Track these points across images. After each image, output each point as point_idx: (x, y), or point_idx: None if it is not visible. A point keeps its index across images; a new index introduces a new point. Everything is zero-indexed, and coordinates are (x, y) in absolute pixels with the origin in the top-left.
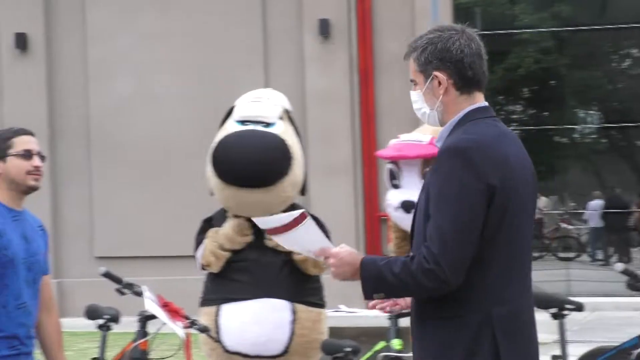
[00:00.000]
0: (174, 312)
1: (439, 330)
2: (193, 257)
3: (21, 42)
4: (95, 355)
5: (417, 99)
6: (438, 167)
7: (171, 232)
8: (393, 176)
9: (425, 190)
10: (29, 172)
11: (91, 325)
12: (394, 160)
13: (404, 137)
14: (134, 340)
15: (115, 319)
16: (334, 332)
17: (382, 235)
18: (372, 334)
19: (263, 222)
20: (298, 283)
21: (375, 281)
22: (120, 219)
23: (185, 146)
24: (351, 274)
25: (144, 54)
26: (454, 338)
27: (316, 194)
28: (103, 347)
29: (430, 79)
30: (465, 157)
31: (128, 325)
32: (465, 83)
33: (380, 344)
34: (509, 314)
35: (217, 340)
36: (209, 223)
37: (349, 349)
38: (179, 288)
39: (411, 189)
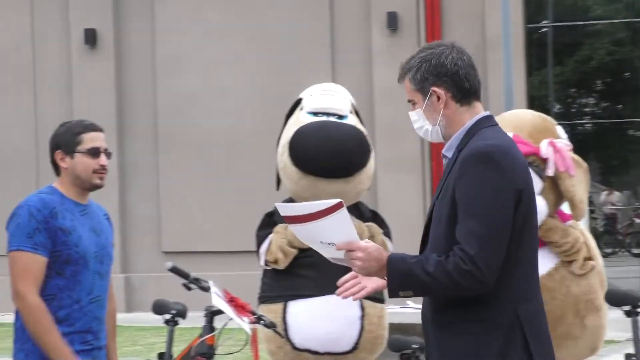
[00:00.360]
0: (240, 307)
1: (467, 333)
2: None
3: (90, 38)
4: (162, 350)
5: (418, 118)
6: (463, 172)
7: (238, 227)
8: None
9: (444, 196)
10: (95, 171)
11: (158, 320)
12: None
13: None
14: (201, 336)
15: (182, 314)
16: (401, 328)
17: None
18: None
19: (285, 208)
20: None
21: (404, 278)
22: (187, 214)
23: (251, 141)
24: (377, 269)
25: (211, 49)
26: (485, 340)
27: (383, 190)
28: (170, 342)
29: (429, 96)
30: (493, 161)
31: (195, 320)
32: (463, 95)
33: None
34: (534, 310)
35: (284, 336)
36: (271, 218)
37: (416, 346)
38: (245, 283)
39: None
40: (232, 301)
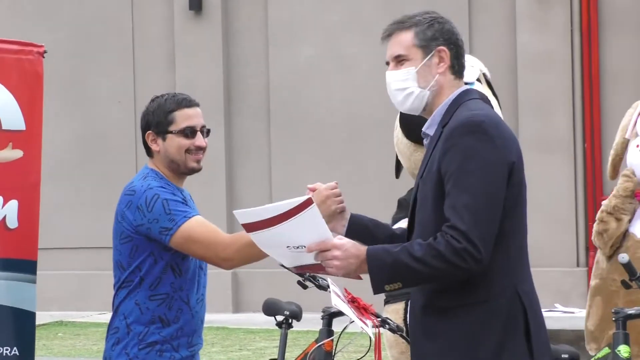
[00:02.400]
0: (362, 309)
1: (466, 318)
2: None
3: (195, 2)
4: (274, 356)
5: (406, 77)
6: (451, 145)
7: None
8: None
9: (428, 176)
10: (189, 151)
11: (269, 322)
12: None
13: None
14: (317, 340)
15: (296, 315)
16: (549, 335)
17: None
18: None
19: (246, 215)
20: None
21: (390, 270)
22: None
23: (377, 118)
24: (356, 266)
25: (330, 14)
26: (487, 323)
27: (528, 173)
28: (283, 346)
29: (430, 55)
30: (483, 132)
31: (310, 322)
32: (459, 69)
33: (604, 351)
34: (530, 291)
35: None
36: (404, 202)
37: (565, 355)
38: (367, 282)
39: None
40: (353, 302)
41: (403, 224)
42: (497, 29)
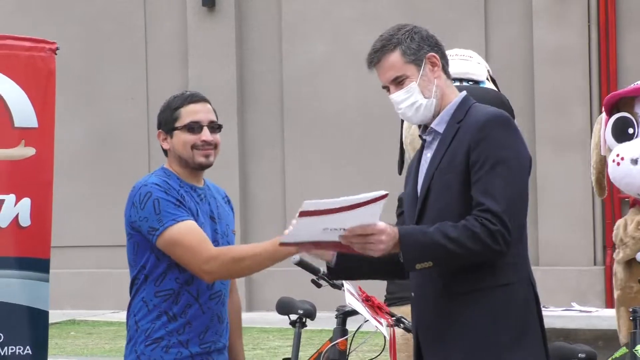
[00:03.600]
0: (377, 308)
1: (487, 302)
2: None
3: None
4: (288, 355)
5: (410, 94)
6: (485, 136)
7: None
8: (628, 124)
9: (450, 165)
10: (195, 147)
11: (283, 321)
12: (624, 107)
13: None
14: (332, 339)
15: (310, 314)
16: (566, 334)
17: None
18: (610, 338)
19: (310, 204)
20: None
21: (424, 249)
22: (316, 198)
23: (391, 115)
24: (392, 246)
25: (343, 9)
26: (507, 307)
27: (544, 171)
28: (297, 346)
29: (423, 65)
30: (512, 127)
31: (324, 321)
32: (447, 67)
33: (622, 350)
34: (534, 280)
35: None
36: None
37: (582, 355)
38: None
39: None
40: (367, 301)
41: None
42: (514, 24)
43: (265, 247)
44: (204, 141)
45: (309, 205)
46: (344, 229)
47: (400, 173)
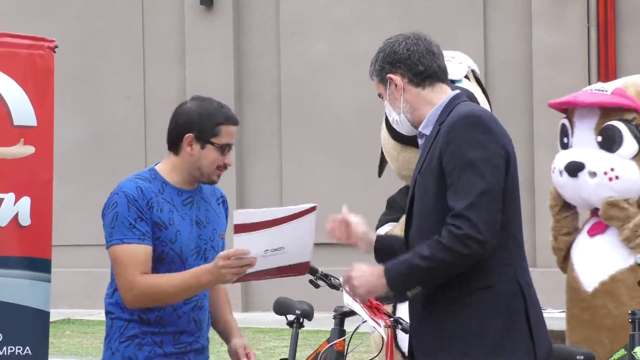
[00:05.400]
0: (375, 308)
1: (472, 305)
2: None
3: None
4: (285, 356)
5: (389, 110)
6: (452, 138)
7: (375, 215)
8: (564, 133)
9: (428, 169)
10: (219, 167)
11: (280, 321)
12: (568, 114)
13: (591, 87)
14: (329, 340)
15: (308, 314)
16: (564, 336)
17: None
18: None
19: (248, 215)
20: None
21: (407, 277)
22: (315, 199)
23: None
24: (377, 283)
25: (342, 9)
26: (492, 306)
27: (542, 172)
28: (294, 346)
29: (388, 85)
30: (483, 124)
31: (322, 322)
32: (420, 78)
33: (620, 352)
34: (530, 284)
35: None
36: (396, 202)
37: (581, 357)
38: None
39: (583, 147)
40: (365, 301)
41: (387, 228)
42: (513, 25)
43: (184, 277)
44: (225, 164)
45: (241, 215)
46: (283, 248)
47: (380, 175)
